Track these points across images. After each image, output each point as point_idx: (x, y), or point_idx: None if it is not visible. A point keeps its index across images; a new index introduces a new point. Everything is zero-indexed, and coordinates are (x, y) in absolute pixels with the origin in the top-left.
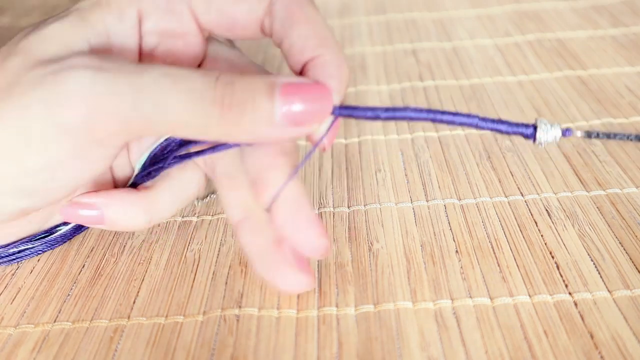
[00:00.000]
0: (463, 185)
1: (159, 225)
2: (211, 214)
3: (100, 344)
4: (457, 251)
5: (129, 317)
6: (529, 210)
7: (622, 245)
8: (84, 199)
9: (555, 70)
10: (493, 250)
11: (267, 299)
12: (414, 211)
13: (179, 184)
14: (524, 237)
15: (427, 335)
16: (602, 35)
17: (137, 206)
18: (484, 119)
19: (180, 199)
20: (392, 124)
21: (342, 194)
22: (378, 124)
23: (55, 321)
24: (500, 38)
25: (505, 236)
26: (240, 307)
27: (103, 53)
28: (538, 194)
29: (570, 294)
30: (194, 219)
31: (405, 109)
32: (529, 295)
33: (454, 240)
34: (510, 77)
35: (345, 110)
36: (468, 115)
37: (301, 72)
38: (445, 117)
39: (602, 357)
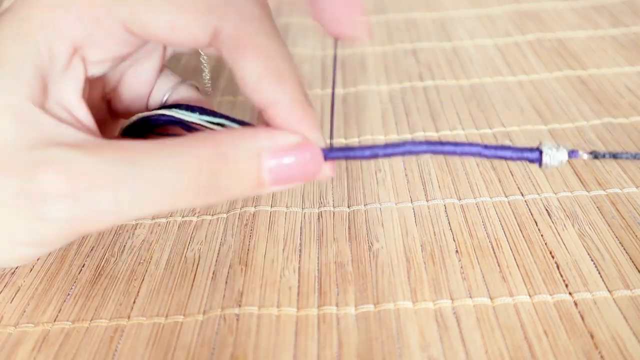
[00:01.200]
0: (463, 185)
1: (159, 225)
2: (211, 213)
3: (100, 343)
4: (457, 251)
5: (129, 317)
6: (529, 210)
7: (622, 245)
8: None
9: (555, 70)
10: (493, 250)
11: (267, 297)
12: (414, 211)
13: None
14: (524, 237)
15: (427, 335)
16: (602, 35)
17: None
18: (486, 147)
19: None
20: (392, 123)
21: (342, 194)
22: (378, 121)
23: (55, 321)
24: (500, 38)
25: (505, 236)
26: (240, 306)
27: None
28: (538, 193)
29: (570, 293)
30: (194, 218)
31: (404, 143)
32: (529, 295)
33: (454, 240)
34: (510, 77)
35: (340, 153)
36: (470, 144)
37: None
38: (446, 148)
39: (602, 357)
